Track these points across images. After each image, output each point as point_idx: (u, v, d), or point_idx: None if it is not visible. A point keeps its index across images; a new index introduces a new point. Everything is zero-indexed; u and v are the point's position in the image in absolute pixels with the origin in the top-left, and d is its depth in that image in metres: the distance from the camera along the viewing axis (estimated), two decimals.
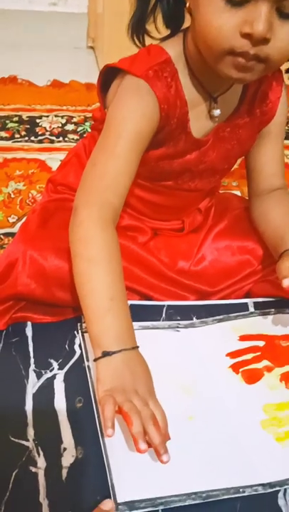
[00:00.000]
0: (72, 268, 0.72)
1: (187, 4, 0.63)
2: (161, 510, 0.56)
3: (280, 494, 0.58)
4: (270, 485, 0.58)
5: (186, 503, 0.56)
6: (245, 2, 0.56)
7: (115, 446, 0.59)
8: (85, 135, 1.43)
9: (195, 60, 0.68)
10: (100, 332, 0.61)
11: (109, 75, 0.73)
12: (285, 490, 0.58)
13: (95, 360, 0.61)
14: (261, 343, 0.75)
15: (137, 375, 0.60)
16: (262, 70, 0.62)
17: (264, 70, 0.62)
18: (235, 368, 0.71)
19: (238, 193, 1.25)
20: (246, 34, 0.57)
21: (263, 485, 0.58)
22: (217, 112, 0.72)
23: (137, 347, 0.62)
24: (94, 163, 0.69)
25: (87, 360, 0.70)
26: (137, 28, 0.70)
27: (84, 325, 0.75)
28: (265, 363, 0.72)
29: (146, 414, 0.56)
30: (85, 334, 0.74)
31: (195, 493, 0.57)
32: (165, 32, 0.71)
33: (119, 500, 0.55)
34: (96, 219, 0.65)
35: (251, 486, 0.58)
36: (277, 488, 0.58)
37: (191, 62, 0.69)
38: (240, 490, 0.57)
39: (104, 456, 0.59)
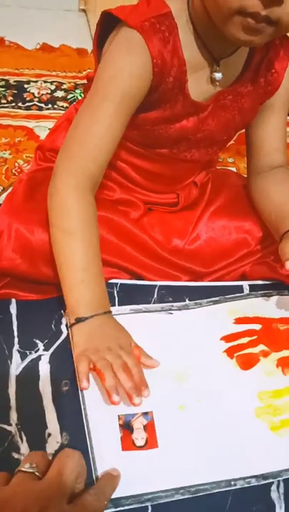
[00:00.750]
0: None
1: None
2: (151, 505, 0.53)
3: (273, 487, 0.56)
4: (263, 477, 0.56)
5: (175, 499, 0.54)
6: None
7: (101, 441, 0.57)
8: (75, 103, 1.37)
9: (199, 17, 0.64)
10: (74, 301, 0.64)
11: (107, 27, 0.67)
12: (279, 482, 0.56)
13: (70, 326, 0.64)
14: (258, 327, 0.72)
15: (110, 335, 0.62)
16: (271, 33, 0.59)
17: (273, 33, 0.59)
18: (230, 352, 0.68)
19: (234, 169, 1.21)
20: None
21: (255, 477, 0.56)
22: (218, 76, 0.68)
23: (110, 311, 0.65)
24: (76, 125, 0.66)
25: None
26: None
27: None
28: (261, 347, 0.69)
29: (117, 364, 0.59)
30: None
31: (184, 488, 0.54)
32: None
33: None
34: (73, 188, 0.65)
35: (243, 479, 0.55)
36: (271, 480, 0.56)
37: (194, 19, 0.64)
38: (232, 483, 0.55)
39: (89, 451, 0.56)
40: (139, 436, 0.57)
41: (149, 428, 0.58)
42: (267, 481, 0.56)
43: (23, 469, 0.48)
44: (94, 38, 0.70)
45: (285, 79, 0.74)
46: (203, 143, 0.75)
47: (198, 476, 0.55)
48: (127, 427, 0.58)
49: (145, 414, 0.59)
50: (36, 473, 0.48)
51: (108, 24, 0.66)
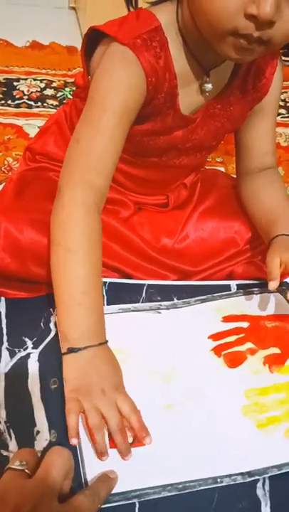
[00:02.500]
0: (49, 242, 0.69)
1: None
2: (138, 502, 0.54)
3: (259, 484, 0.57)
4: (250, 474, 0.57)
5: (162, 496, 0.54)
6: None
7: (87, 439, 0.57)
8: (65, 101, 1.37)
9: (189, 29, 0.63)
10: (68, 326, 0.60)
11: (95, 37, 0.67)
12: (264, 480, 0.57)
13: (62, 354, 0.60)
14: (245, 324, 0.73)
15: (103, 372, 0.59)
16: (262, 51, 0.59)
17: (263, 51, 0.59)
18: (217, 350, 0.69)
19: (222, 169, 1.21)
20: (251, 15, 0.53)
21: (242, 474, 0.56)
22: (209, 87, 0.68)
23: (105, 342, 0.61)
24: (77, 139, 0.64)
25: None
26: None
27: None
28: (248, 345, 0.70)
29: (113, 422, 0.56)
30: None
31: (171, 485, 0.55)
32: None
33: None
34: (79, 203, 0.62)
35: (230, 476, 0.56)
36: (257, 478, 0.57)
37: (184, 31, 0.64)
38: (218, 480, 0.56)
39: (77, 449, 0.57)
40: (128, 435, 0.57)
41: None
42: (253, 478, 0.56)
43: (13, 467, 0.49)
44: (81, 49, 0.69)
45: (274, 83, 0.74)
46: (192, 150, 0.75)
47: (185, 473, 0.56)
48: None
49: None
50: (26, 471, 0.48)
51: (95, 34, 0.66)
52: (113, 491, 0.53)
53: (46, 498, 0.46)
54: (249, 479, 0.56)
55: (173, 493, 0.54)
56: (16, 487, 0.46)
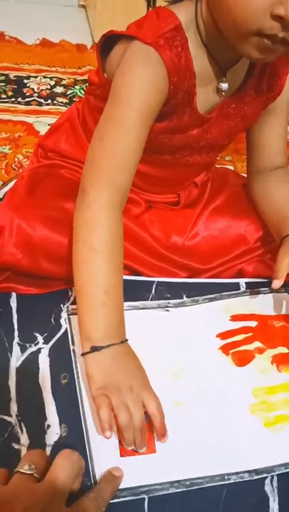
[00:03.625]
0: (60, 239, 0.71)
1: None
2: (147, 497, 0.55)
3: (267, 481, 0.58)
4: (257, 472, 0.57)
5: (170, 492, 0.55)
6: None
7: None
8: (75, 99, 1.37)
9: (207, 28, 0.63)
10: (91, 326, 0.60)
11: (111, 37, 0.67)
12: (272, 476, 0.58)
13: (83, 354, 0.60)
14: (253, 324, 0.73)
15: (129, 369, 0.59)
16: (283, 51, 0.59)
17: (285, 51, 0.59)
18: (225, 349, 0.69)
19: (232, 167, 1.22)
20: (278, 16, 0.53)
21: (249, 472, 0.57)
22: (225, 86, 0.68)
23: (126, 340, 0.61)
24: (101, 137, 0.63)
25: (73, 344, 0.68)
26: None
27: (71, 306, 0.73)
28: (256, 344, 0.71)
29: (138, 419, 0.56)
30: (71, 317, 0.71)
31: (178, 482, 0.55)
32: None
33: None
34: (105, 203, 0.62)
35: (237, 473, 0.57)
36: (264, 475, 0.57)
37: (202, 30, 0.64)
38: (226, 477, 0.56)
39: (86, 443, 0.57)
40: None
41: (148, 434, 0.58)
42: (260, 476, 0.57)
43: (22, 471, 0.49)
44: (97, 48, 0.69)
45: (287, 82, 0.74)
46: (205, 148, 0.75)
47: (192, 470, 0.56)
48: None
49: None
50: (35, 475, 0.49)
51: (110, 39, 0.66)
52: (121, 487, 0.54)
53: (55, 502, 0.46)
54: (256, 477, 0.57)
55: (180, 490, 0.55)
56: (26, 491, 0.46)
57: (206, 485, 0.56)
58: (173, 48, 0.61)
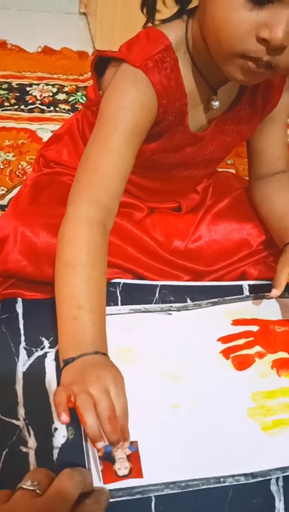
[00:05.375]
0: None
1: None
2: (154, 497, 0.55)
3: (273, 481, 0.58)
4: (253, 475, 0.58)
5: (164, 493, 0.56)
6: (267, 3, 0.51)
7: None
8: (77, 105, 1.39)
9: (198, 48, 0.63)
10: (64, 342, 0.58)
11: (105, 58, 0.68)
12: (278, 477, 0.59)
13: (61, 369, 0.57)
14: (255, 328, 0.74)
15: (100, 366, 0.54)
16: (268, 75, 0.59)
17: (270, 75, 0.59)
18: (226, 353, 0.70)
19: (233, 171, 1.23)
20: (263, 39, 0.53)
21: (245, 475, 0.58)
22: (216, 105, 0.68)
23: (104, 354, 0.57)
24: (86, 157, 0.64)
25: None
26: (149, 5, 0.64)
27: None
28: (257, 348, 0.71)
29: (102, 406, 0.51)
30: None
31: (173, 483, 0.56)
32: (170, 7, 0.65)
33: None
34: (81, 219, 0.62)
35: (233, 476, 0.57)
36: (260, 479, 0.58)
37: (192, 50, 0.64)
38: (221, 480, 0.57)
39: (83, 441, 0.58)
40: (122, 467, 0.55)
41: (134, 458, 0.56)
42: (256, 480, 0.58)
43: (25, 486, 0.48)
44: (91, 66, 0.70)
45: (284, 92, 0.75)
46: (202, 163, 0.76)
47: (188, 471, 0.57)
48: (108, 458, 0.55)
49: (130, 444, 0.56)
50: (37, 491, 0.48)
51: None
52: (117, 487, 0.55)
53: None
54: (252, 480, 0.58)
55: (175, 491, 0.56)
56: (25, 505, 0.46)
57: (202, 487, 0.56)
58: (162, 70, 0.61)
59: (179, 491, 0.56)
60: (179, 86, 0.64)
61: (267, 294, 0.80)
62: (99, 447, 0.51)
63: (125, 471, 0.55)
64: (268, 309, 0.78)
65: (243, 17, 0.53)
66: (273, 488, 0.58)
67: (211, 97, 0.68)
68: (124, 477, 0.55)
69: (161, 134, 0.68)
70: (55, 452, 0.59)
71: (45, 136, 1.24)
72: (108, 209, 0.63)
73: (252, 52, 0.55)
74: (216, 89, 0.68)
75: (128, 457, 0.56)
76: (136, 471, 0.56)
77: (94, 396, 0.51)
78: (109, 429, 0.50)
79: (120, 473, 0.55)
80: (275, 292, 0.69)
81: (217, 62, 0.60)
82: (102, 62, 0.69)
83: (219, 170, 0.98)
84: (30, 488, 0.47)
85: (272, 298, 0.75)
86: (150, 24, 0.65)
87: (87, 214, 0.62)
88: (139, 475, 0.56)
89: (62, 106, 1.39)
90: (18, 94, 1.40)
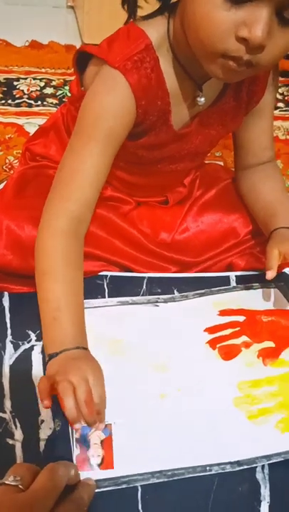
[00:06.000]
0: None
1: None
2: (140, 486, 0.56)
3: (258, 468, 0.59)
4: (238, 463, 0.58)
5: (150, 482, 0.56)
6: (245, 2, 0.51)
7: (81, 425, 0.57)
8: (64, 99, 1.39)
9: (181, 45, 0.63)
10: (46, 339, 0.61)
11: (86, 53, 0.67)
12: (263, 465, 0.59)
13: (46, 363, 0.60)
14: (241, 318, 0.75)
15: (80, 359, 0.58)
16: (250, 72, 0.59)
17: (252, 72, 0.59)
18: (212, 343, 0.71)
19: (221, 163, 1.23)
20: (242, 38, 0.53)
21: (230, 463, 0.58)
22: (202, 101, 0.68)
23: (85, 348, 0.60)
24: (61, 167, 0.66)
25: None
26: (130, 3, 0.63)
27: None
28: (243, 338, 0.72)
29: (80, 391, 0.54)
30: None
31: (160, 472, 0.57)
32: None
33: (81, 478, 0.54)
34: (54, 230, 0.63)
35: (218, 464, 0.58)
36: (245, 467, 0.58)
37: (176, 47, 0.64)
38: (207, 468, 0.58)
39: (69, 433, 0.58)
40: (95, 454, 0.56)
41: (107, 446, 0.57)
42: (241, 468, 0.58)
43: (7, 482, 0.48)
44: (73, 62, 0.70)
45: (269, 84, 0.74)
46: (188, 156, 0.76)
47: (174, 460, 0.58)
48: (83, 441, 0.57)
49: (105, 427, 0.58)
50: (20, 486, 0.48)
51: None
52: (103, 477, 0.55)
53: (37, 510, 0.45)
54: (238, 468, 0.58)
55: (161, 480, 0.56)
56: (8, 500, 0.46)
57: (188, 475, 0.57)
58: (142, 70, 0.61)
59: (165, 479, 0.57)
60: (161, 85, 0.64)
61: (254, 284, 0.81)
62: (76, 428, 0.55)
63: (98, 459, 0.56)
64: (255, 299, 0.78)
65: (221, 16, 0.52)
66: (259, 475, 0.59)
67: (196, 93, 0.68)
68: (97, 467, 0.56)
69: (145, 133, 0.68)
70: (42, 444, 0.59)
71: (33, 130, 1.23)
72: (79, 218, 0.65)
73: (232, 52, 0.54)
74: (201, 84, 0.68)
75: (102, 443, 0.57)
76: (108, 460, 0.57)
77: (73, 383, 0.54)
78: (86, 411, 0.54)
79: (93, 461, 0.56)
80: (270, 274, 0.70)
81: (199, 60, 0.60)
82: (84, 57, 0.68)
83: (207, 162, 0.98)
84: (13, 483, 0.48)
85: (262, 285, 0.78)
86: (132, 20, 0.65)
87: (59, 225, 0.64)
88: (110, 465, 0.56)
89: (50, 100, 1.38)
90: (5, 88, 1.39)
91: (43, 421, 0.61)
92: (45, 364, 0.65)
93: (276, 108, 1.45)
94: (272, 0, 0.50)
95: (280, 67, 0.75)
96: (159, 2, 0.63)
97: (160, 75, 0.64)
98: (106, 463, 0.56)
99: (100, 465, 0.56)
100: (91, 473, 0.56)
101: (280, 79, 0.78)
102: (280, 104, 1.48)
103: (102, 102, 0.63)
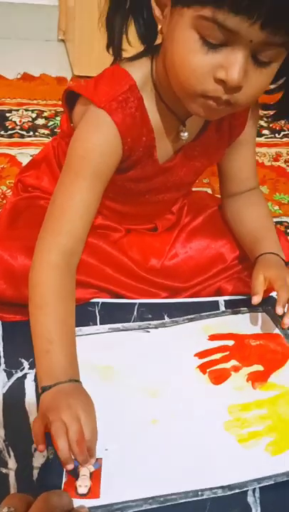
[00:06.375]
0: None
1: (159, 27, 0.61)
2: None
3: (250, 492, 0.60)
4: (230, 487, 0.59)
5: (143, 508, 0.56)
6: (221, 46, 0.54)
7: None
8: (56, 129, 1.42)
9: (164, 85, 0.66)
10: (40, 371, 0.62)
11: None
12: (254, 488, 0.60)
13: (40, 395, 0.60)
14: (230, 343, 0.76)
15: (72, 395, 0.58)
16: (229, 110, 0.62)
17: (231, 110, 0.62)
18: (202, 368, 0.72)
19: (209, 190, 1.26)
20: (220, 80, 0.56)
21: (222, 487, 0.59)
22: (185, 135, 0.71)
23: (77, 380, 0.61)
24: (52, 201, 0.68)
25: None
26: (114, 45, 0.66)
27: None
28: (233, 362, 0.73)
29: (72, 431, 0.55)
30: None
31: (152, 498, 0.57)
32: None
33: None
34: (47, 264, 0.65)
35: (210, 489, 0.58)
36: (237, 491, 0.59)
37: (159, 86, 0.67)
38: (199, 493, 0.58)
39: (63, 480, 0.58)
40: (83, 484, 0.57)
41: (95, 477, 0.57)
42: (233, 492, 0.59)
43: None
44: (62, 101, 0.73)
45: (250, 116, 0.78)
46: (173, 188, 0.79)
47: (166, 486, 0.58)
48: (73, 472, 0.57)
49: (95, 461, 0.58)
50: None
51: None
52: (96, 504, 0.55)
53: None
54: (230, 492, 0.59)
55: (154, 506, 0.56)
56: None
57: (180, 501, 0.57)
58: (126, 109, 0.64)
59: (158, 505, 0.57)
60: (145, 123, 0.67)
61: (242, 308, 0.83)
62: (68, 469, 0.55)
63: (84, 490, 0.57)
64: (243, 324, 0.80)
65: (199, 60, 0.55)
66: (250, 499, 0.59)
67: (180, 128, 0.71)
68: (83, 496, 0.56)
69: (132, 167, 0.71)
70: (35, 472, 0.60)
71: (25, 160, 1.26)
72: (71, 252, 0.67)
73: (211, 92, 0.57)
74: (184, 120, 0.71)
75: (90, 474, 0.57)
76: (94, 491, 0.57)
77: (65, 423, 0.55)
78: (77, 450, 0.55)
79: (80, 490, 0.57)
80: (256, 298, 0.72)
81: (181, 100, 0.63)
82: (72, 94, 0.71)
83: (194, 189, 1.01)
84: None
85: (250, 309, 0.80)
86: (118, 61, 0.68)
87: (51, 259, 0.65)
88: (96, 495, 0.57)
89: (42, 130, 1.42)
90: None
91: (36, 449, 0.62)
92: (38, 392, 0.67)
93: (262, 135, 1.50)
94: (247, 44, 0.54)
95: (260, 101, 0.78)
96: (143, 45, 0.67)
97: (144, 113, 0.67)
98: (92, 493, 0.57)
99: (85, 495, 0.57)
100: (76, 501, 0.56)
101: (265, 112, 0.80)
102: (266, 132, 1.52)
103: (89, 141, 0.65)
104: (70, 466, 0.55)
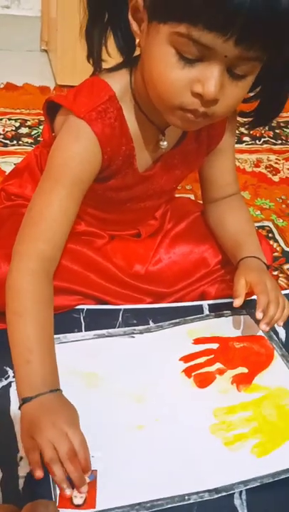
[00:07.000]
0: None
1: (137, 40, 0.62)
2: None
3: (236, 494, 0.60)
4: (217, 490, 0.59)
5: None
6: (198, 61, 0.55)
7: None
8: (39, 138, 1.42)
9: (142, 96, 0.67)
10: (19, 381, 0.61)
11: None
12: (241, 490, 0.60)
13: (19, 408, 0.60)
14: (215, 346, 0.77)
15: (55, 409, 0.58)
16: (207, 122, 0.63)
17: (209, 121, 0.63)
18: (187, 372, 0.72)
19: (192, 196, 1.27)
20: (197, 93, 0.57)
21: (209, 491, 0.59)
22: (164, 145, 0.72)
23: (56, 390, 0.60)
24: (30, 208, 0.68)
25: None
26: (94, 56, 0.67)
27: None
28: (217, 365, 0.74)
29: (62, 452, 0.55)
30: None
31: (139, 504, 0.57)
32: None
33: None
34: (25, 270, 0.65)
35: (197, 493, 0.59)
36: (224, 494, 0.59)
37: (138, 97, 0.67)
38: (186, 497, 0.58)
39: (51, 487, 0.58)
40: (78, 495, 0.56)
41: (90, 487, 0.57)
42: (220, 495, 0.59)
43: None
44: (43, 111, 0.73)
45: (228, 126, 0.79)
46: (155, 195, 0.79)
47: (152, 492, 0.58)
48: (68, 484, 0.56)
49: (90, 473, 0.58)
50: None
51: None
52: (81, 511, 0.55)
53: None
54: (216, 496, 0.59)
55: None
56: None
57: (167, 506, 0.57)
58: (106, 119, 0.65)
59: (145, 511, 0.57)
60: (124, 133, 0.68)
61: (226, 311, 0.83)
62: (67, 494, 0.55)
63: (80, 500, 0.56)
64: (227, 327, 0.81)
65: (176, 75, 0.56)
66: (237, 502, 0.60)
67: (159, 137, 0.72)
68: (78, 507, 0.56)
69: (112, 176, 0.72)
70: (21, 482, 0.59)
71: (9, 169, 1.26)
72: (49, 258, 0.67)
73: (188, 105, 0.58)
74: (163, 129, 0.72)
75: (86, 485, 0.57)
76: (90, 501, 0.57)
77: (53, 443, 0.55)
78: (72, 468, 0.55)
79: (75, 501, 0.56)
80: (237, 301, 0.73)
81: (159, 111, 0.64)
82: (53, 105, 0.72)
83: (177, 195, 1.01)
84: None
85: (234, 312, 0.81)
86: (97, 72, 0.69)
87: (29, 265, 0.65)
88: (92, 505, 0.56)
89: (25, 139, 1.42)
90: None
91: (21, 458, 0.61)
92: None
93: (242, 142, 1.51)
94: (223, 59, 0.55)
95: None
96: (122, 57, 0.67)
97: (123, 123, 0.67)
98: (88, 503, 0.57)
99: (81, 505, 0.56)
100: (71, 511, 0.56)
101: (245, 119, 0.81)
102: (246, 138, 1.54)
103: (68, 150, 0.66)
104: (69, 491, 0.55)
